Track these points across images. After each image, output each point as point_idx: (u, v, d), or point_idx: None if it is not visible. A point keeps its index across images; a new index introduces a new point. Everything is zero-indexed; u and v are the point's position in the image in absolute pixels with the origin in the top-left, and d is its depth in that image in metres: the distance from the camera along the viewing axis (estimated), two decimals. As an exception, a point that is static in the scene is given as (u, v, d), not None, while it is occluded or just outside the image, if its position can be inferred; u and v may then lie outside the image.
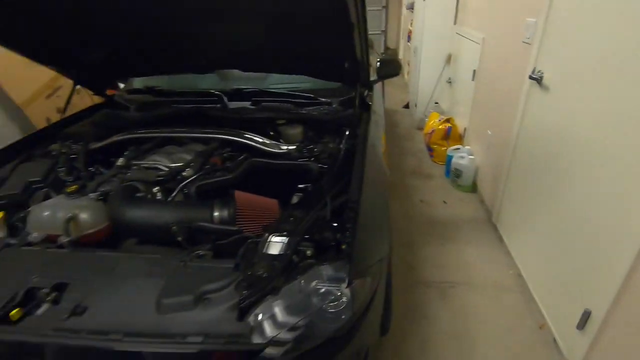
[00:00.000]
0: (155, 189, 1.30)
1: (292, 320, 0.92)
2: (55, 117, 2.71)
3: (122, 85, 2.32)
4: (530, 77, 1.84)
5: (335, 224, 1.09)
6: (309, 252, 1.02)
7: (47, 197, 1.35)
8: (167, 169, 1.36)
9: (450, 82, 3.73)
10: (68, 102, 1.94)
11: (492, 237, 2.30)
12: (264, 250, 1.02)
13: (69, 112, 1.97)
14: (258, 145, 1.49)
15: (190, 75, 2.14)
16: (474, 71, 2.82)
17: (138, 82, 2.26)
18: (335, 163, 1.39)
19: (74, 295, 0.94)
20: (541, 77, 1.79)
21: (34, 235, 1.17)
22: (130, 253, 1.08)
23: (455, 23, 3.55)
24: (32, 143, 1.67)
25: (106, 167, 1.56)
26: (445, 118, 3.22)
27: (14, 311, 0.90)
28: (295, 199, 1.34)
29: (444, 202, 2.71)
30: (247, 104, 1.90)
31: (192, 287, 0.92)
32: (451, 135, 3.14)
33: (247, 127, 1.60)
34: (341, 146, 1.51)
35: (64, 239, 1.13)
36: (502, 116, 2.30)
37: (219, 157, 1.50)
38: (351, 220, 1.07)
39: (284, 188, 1.36)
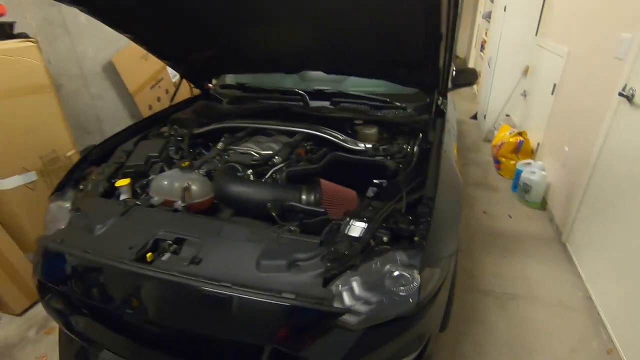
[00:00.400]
0: (249, 172, 1.51)
1: (367, 295, 1.05)
2: (156, 105, 3.13)
3: (215, 81, 2.62)
4: (620, 94, 1.78)
5: (410, 217, 1.19)
6: (385, 239, 1.14)
7: (162, 170, 1.62)
8: (259, 156, 1.57)
9: (524, 94, 3.60)
10: (175, 93, 2.26)
11: (560, 256, 2.22)
12: (346, 232, 1.16)
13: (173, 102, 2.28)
14: (338, 141, 1.64)
15: (275, 75, 2.37)
16: (555, 85, 2.73)
17: (230, 79, 2.54)
18: (410, 162, 1.49)
19: (190, 248, 1.15)
20: (632, 95, 1.73)
21: (155, 199, 1.43)
22: (232, 221, 1.28)
23: (536, 34, 3.43)
24: (148, 125, 1.99)
25: (206, 149, 1.83)
26: (517, 131, 3.14)
27: (149, 254, 1.13)
28: (370, 192, 1.46)
29: (509, 216, 2.65)
30: (326, 103, 2.07)
31: (285, 254, 1.08)
32: (522, 149, 3.05)
33: (327, 125, 1.76)
34: (415, 148, 1.60)
35: (179, 204, 1.36)
36: (582, 133, 2.22)
37: (302, 148, 1.68)
38: (426, 215, 1.17)
39: (361, 181, 1.49)
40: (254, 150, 1.66)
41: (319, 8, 1.44)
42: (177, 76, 3.38)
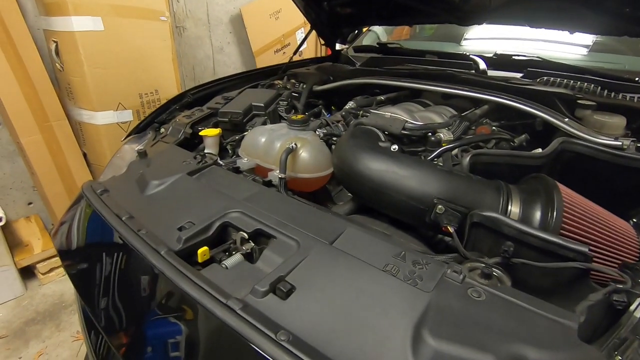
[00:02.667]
0: (393, 147, 0.87)
1: None
2: (276, 72, 2.77)
3: (348, 45, 2.10)
4: None
5: None
6: None
7: (262, 124, 1.13)
8: (415, 124, 0.92)
9: None
10: (299, 46, 1.80)
11: None
12: (648, 320, 0.45)
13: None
14: (560, 123, 0.89)
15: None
16: None
17: (368, 39, 1.98)
18: None
19: (276, 257, 0.59)
20: None
21: (244, 161, 0.93)
22: (362, 225, 0.68)
23: None
24: (264, 76, 1.56)
25: (327, 112, 1.28)
26: None
27: (203, 249, 0.60)
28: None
29: None
30: (517, 75, 1.32)
31: (488, 337, 0.43)
32: None
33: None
34: None
35: (276, 175, 0.82)
36: None
37: (486, 126, 0.98)
38: None
39: (612, 201, 0.72)
40: (400, 115, 1.03)
41: None
42: (305, 46, 2.99)
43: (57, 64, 1.52)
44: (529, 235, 0.55)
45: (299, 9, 1.75)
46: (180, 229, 0.66)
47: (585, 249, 0.51)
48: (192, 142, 1.13)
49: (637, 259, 0.61)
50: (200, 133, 1.07)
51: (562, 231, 0.58)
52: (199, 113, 1.20)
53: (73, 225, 0.83)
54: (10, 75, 1.36)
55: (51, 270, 1.59)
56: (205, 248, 0.60)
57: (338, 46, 2.00)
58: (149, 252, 0.60)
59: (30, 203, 1.73)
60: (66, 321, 1.46)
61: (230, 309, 0.49)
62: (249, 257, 0.62)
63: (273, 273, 0.54)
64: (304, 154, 0.85)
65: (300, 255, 0.57)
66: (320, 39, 1.93)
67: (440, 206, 0.63)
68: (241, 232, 0.64)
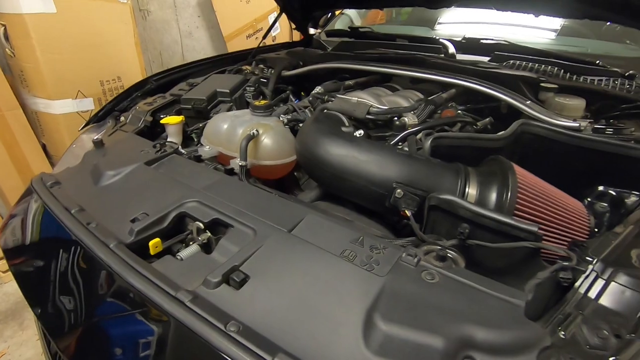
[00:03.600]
0: (358, 132, 0.86)
1: None
2: (249, 58, 2.70)
3: (320, 28, 2.06)
4: None
5: None
6: None
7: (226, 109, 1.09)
8: (380, 108, 0.91)
9: None
10: (269, 30, 1.74)
11: None
12: (592, 295, 0.46)
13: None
14: (522, 106, 0.90)
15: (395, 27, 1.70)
16: None
17: (340, 23, 1.94)
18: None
19: (232, 247, 0.58)
20: None
21: (205, 149, 0.90)
22: (318, 209, 0.67)
23: None
24: (231, 61, 1.51)
25: (296, 98, 1.25)
26: None
27: (154, 241, 0.58)
28: (600, 207, 0.72)
29: None
30: (484, 59, 1.33)
31: (438, 318, 0.43)
32: None
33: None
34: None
35: (237, 162, 0.80)
36: None
37: (452, 109, 0.98)
38: None
39: (567, 185, 0.74)
40: (370, 101, 1.02)
41: None
42: (279, 30, 2.92)
43: (7, 50, 1.43)
44: (482, 217, 0.55)
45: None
46: (133, 220, 0.63)
47: (535, 228, 0.52)
48: (154, 131, 1.08)
49: (587, 237, 0.62)
50: (162, 121, 1.02)
51: (516, 212, 0.59)
52: (161, 100, 1.15)
53: (21, 220, 0.79)
54: (-47, 62, 1.26)
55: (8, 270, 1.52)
56: (157, 240, 0.58)
57: (312, 30, 1.96)
58: (97, 246, 0.57)
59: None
60: (30, 319, 1.40)
61: (179, 301, 0.47)
62: (206, 248, 0.61)
63: (227, 263, 0.53)
64: (266, 140, 0.82)
65: (256, 244, 0.56)
66: (291, 23, 1.88)
67: (399, 190, 0.63)
68: (197, 222, 0.62)
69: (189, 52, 2.37)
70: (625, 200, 0.72)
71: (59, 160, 1.12)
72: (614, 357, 0.40)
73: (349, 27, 1.78)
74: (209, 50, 2.51)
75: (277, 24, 2.82)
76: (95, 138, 0.95)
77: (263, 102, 0.93)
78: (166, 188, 0.73)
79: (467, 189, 0.64)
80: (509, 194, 0.59)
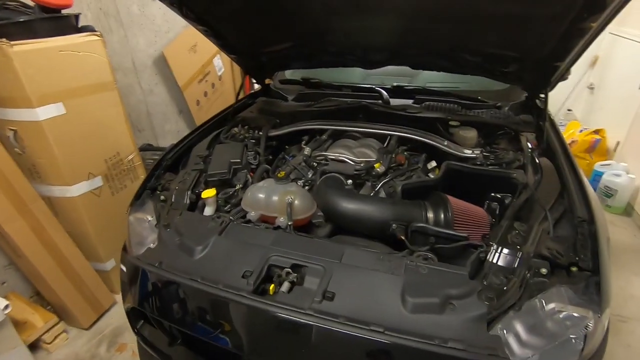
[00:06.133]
0: (348, 182, 1.34)
1: (534, 341, 0.88)
2: (204, 100, 2.98)
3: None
4: None
5: (563, 242, 1.01)
6: (543, 270, 0.96)
7: (246, 178, 1.47)
8: (361, 165, 1.39)
9: (592, 88, 3.34)
10: (240, 90, 2.09)
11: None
12: (495, 261, 0.99)
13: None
14: (441, 146, 1.45)
15: (337, 70, 2.15)
16: (644, 78, 2.48)
17: (289, 74, 2.35)
18: (537, 174, 1.30)
19: (314, 279, 0.99)
20: None
21: (252, 214, 1.27)
22: (352, 244, 1.12)
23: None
24: (216, 125, 1.83)
25: (279, 152, 1.67)
26: (592, 129, 2.89)
27: (271, 287, 0.98)
28: (491, 209, 1.29)
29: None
30: (408, 102, 1.88)
31: (434, 290, 0.92)
32: (597, 148, 2.81)
33: (417, 126, 1.56)
34: (534, 155, 1.40)
35: (282, 221, 1.21)
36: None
37: (401, 155, 1.50)
38: (585, 239, 1.00)
39: (475, 196, 1.30)
40: (346, 156, 1.49)
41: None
42: (223, 69, 3.22)
43: (16, 149, 1.59)
44: (440, 232, 1.06)
45: (232, 60, 2.04)
46: (243, 277, 1.01)
47: (465, 234, 1.04)
48: (194, 203, 1.41)
49: (489, 230, 1.17)
50: (202, 196, 1.36)
51: (454, 223, 1.11)
52: (188, 177, 1.46)
53: (146, 290, 1.10)
54: (-19, 173, 1.42)
55: (56, 338, 1.70)
56: (272, 285, 0.98)
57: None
58: (240, 297, 0.95)
59: (3, 282, 1.77)
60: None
61: (308, 314, 0.89)
62: (297, 283, 1.01)
63: (318, 289, 0.95)
64: (297, 202, 1.24)
65: (328, 274, 0.99)
66: (252, 79, 2.24)
67: (394, 225, 1.11)
68: (286, 269, 1.02)
69: (152, 107, 2.58)
70: (505, 200, 1.30)
71: (88, 235, 1.37)
72: (506, 287, 0.93)
73: (301, 78, 2.20)
74: (168, 101, 2.73)
75: (221, 65, 3.13)
76: (152, 219, 1.27)
77: (282, 173, 1.34)
78: (245, 249, 1.10)
79: (428, 215, 1.14)
80: (449, 214, 1.11)
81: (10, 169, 1.49)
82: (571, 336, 0.88)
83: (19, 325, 1.61)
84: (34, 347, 1.67)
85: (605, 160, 2.74)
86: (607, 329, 1.00)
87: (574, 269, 0.97)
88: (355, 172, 1.35)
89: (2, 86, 1.45)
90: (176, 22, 2.65)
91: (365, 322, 0.87)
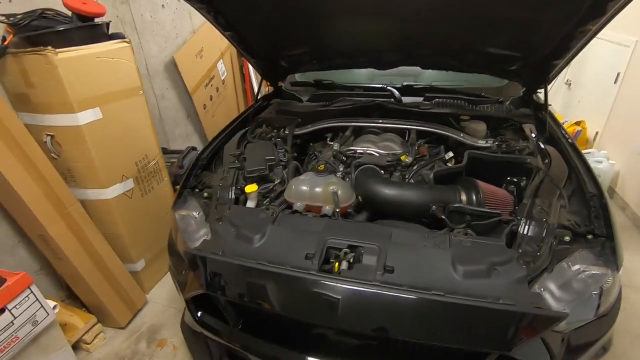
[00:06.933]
0: (381, 171, 1.47)
1: (565, 297, 1.04)
2: (210, 104, 3.05)
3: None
4: None
5: (581, 214, 1.18)
6: (567, 238, 1.13)
7: (282, 174, 1.57)
8: (392, 156, 1.53)
9: (569, 83, 3.63)
10: (258, 92, 2.18)
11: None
12: (525, 233, 1.15)
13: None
14: (459, 138, 1.61)
15: (345, 71, 2.29)
16: (619, 74, 2.75)
17: (299, 76, 2.46)
18: (546, 159, 1.47)
19: (371, 257, 1.11)
20: None
21: (298, 205, 1.38)
22: (397, 226, 1.25)
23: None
24: (240, 127, 1.92)
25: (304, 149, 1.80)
26: (574, 121, 3.16)
27: (336, 264, 1.09)
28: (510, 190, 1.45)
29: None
30: (419, 99, 2.03)
31: (480, 259, 1.06)
32: (578, 138, 3.08)
33: (430, 122, 1.72)
34: (540, 144, 1.58)
35: (328, 210, 1.32)
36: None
37: (424, 147, 1.65)
38: (598, 211, 1.17)
39: (492, 180, 1.46)
40: (374, 150, 1.62)
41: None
42: (226, 74, 3.29)
43: (52, 154, 1.63)
44: (474, 210, 1.21)
45: (251, 65, 2.13)
46: (307, 257, 1.11)
47: (497, 211, 1.19)
48: (236, 198, 1.50)
49: (513, 208, 1.33)
50: (246, 190, 1.45)
51: (485, 202, 1.26)
52: (228, 174, 1.55)
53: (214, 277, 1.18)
54: (25, 176, 1.45)
55: (95, 337, 1.74)
56: (337, 263, 1.09)
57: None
58: (310, 275, 1.05)
59: (35, 287, 1.79)
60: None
61: (377, 285, 1.01)
62: (356, 261, 1.12)
63: (378, 264, 1.07)
64: (340, 192, 1.36)
65: (383, 252, 1.11)
66: (267, 82, 2.33)
67: (434, 207, 1.25)
68: (344, 249, 1.13)
69: (164, 111, 2.63)
70: (521, 183, 1.46)
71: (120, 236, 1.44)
72: (538, 253, 1.08)
73: (314, 80, 2.32)
74: (178, 106, 2.78)
75: (224, 69, 3.21)
76: (197, 214, 1.37)
77: (321, 167, 1.45)
78: (301, 235, 1.20)
79: (462, 197, 1.29)
80: (480, 195, 1.26)
81: (51, 174, 1.54)
82: (594, 292, 1.05)
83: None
84: (74, 347, 1.70)
85: (586, 149, 3.00)
86: (620, 287, 1.16)
87: (590, 236, 1.14)
88: (387, 163, 1.48)
89: (43, 92, 1.49)
90: (183, 28, 2.72)
91: (427, 288, 0.99)
